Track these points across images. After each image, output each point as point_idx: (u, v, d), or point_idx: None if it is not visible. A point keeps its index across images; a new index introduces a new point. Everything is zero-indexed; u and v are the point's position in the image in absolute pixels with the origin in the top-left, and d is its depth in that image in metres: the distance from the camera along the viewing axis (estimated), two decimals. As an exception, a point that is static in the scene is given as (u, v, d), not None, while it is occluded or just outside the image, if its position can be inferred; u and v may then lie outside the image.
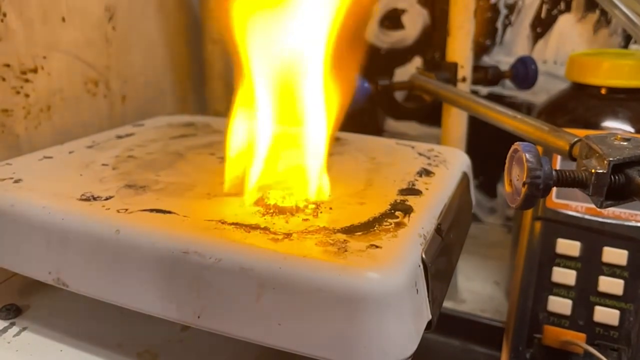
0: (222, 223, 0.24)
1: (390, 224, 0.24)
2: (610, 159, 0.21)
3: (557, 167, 0.23)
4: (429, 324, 0.22)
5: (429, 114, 0.45)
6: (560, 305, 0.33)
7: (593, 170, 0.21)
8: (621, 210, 0.33)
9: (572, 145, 0.24)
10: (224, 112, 0.56)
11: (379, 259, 0.21)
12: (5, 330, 0.29)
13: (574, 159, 0.24)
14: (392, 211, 0.25)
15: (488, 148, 0.48)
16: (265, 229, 0.23)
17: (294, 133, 0.26)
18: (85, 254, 0.25)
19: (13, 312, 0.30)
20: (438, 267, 0.23)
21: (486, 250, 0.51)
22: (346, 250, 0.21)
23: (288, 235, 0.23)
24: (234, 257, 0.21)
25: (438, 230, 0.25)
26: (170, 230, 0.23)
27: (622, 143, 0.22)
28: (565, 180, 0.21)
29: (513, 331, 0.34)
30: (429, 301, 0.22)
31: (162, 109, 0.53)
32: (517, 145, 0.22)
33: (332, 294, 0.20)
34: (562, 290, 0.33)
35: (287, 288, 0.21)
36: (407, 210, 0.25)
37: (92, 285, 0.25)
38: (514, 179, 0.22)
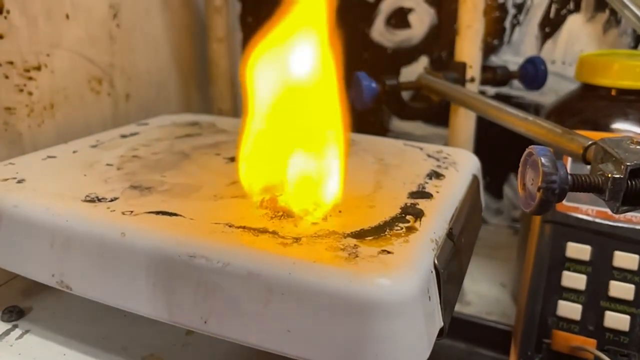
0: (230, 226, 0.23)
1: (402, 228, 0.23)
2: (628, 163, 0.20)
3: (568, 171, 0.23)
4: (441, 331, 0.22)
5: (435, 114, 0.44)
6: (569, 309, 0.33)
7: (610, 175, 0.20)
8: (632, 214, 0.33)
9: (586, 149, 0.23)
10: (229, 111, 0.56)
11: (391, 265, 0.20)
12: (7, 332, 0.28)
13: (587, 163, 0.23)
14: (403, 215, 0.25)
15: (494, 149, 0.47)
16: (274, 232, 0.23)
17: (303, 135, 0.26)
18: (90, 257, 0.24)
19: (15, 314, 0.30)
20: (450, 273, 0.23)
21: (492, 252, 0.51)
22: (357, 256, 0.21)
23: (297, 239, 0.22)
24: (242, 261, 0.21)
25: (450, 234, 0.24)
26: (176, 234, 0.23)
27: (638, 147, 0.21)
28: (580, 185, 0.21)
29: (521, 336, 0.33)
30: (441, 308, 0.22)
31: (166, 108, 0.52)
32: (531, 148, 0.21)
33: (342, 300, 0.19)
34: (571, 294, 0.33)
35: (297, 294, 0.20)
36: (418, 214, 0.25)
37: (96, 289, 0.25)
38: (527, 183, 0.22)
